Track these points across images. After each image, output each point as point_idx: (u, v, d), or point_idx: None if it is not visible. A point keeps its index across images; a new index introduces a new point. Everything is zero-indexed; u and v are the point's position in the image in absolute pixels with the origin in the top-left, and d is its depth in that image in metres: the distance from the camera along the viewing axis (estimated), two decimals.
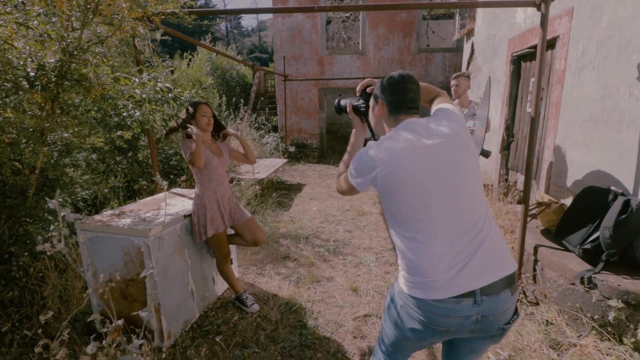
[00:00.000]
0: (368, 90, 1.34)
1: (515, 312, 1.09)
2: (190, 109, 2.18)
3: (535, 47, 2.95)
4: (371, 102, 1.27)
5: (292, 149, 8.73)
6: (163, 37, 2.50)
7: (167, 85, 2.24)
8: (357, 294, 2.62)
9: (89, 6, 1.80)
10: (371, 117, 1.30)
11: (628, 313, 1.83)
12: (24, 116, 1.60)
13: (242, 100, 8.37)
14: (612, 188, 2.20)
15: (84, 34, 1.87)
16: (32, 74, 1.76)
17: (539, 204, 2.63)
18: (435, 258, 1.02)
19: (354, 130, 1.40)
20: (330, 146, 10.70)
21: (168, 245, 2.11)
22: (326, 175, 7.31)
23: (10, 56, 1.49)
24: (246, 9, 2.63)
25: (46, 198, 1.33)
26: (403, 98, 1.16)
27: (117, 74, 2.10)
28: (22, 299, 2.17)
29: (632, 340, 1.81)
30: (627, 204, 1.99)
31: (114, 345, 1.07)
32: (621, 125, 2.25)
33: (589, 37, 2.58)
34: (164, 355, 1.95)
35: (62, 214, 0.97)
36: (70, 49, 1.84)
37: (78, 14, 1.69)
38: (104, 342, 1.12)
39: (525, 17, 3.67)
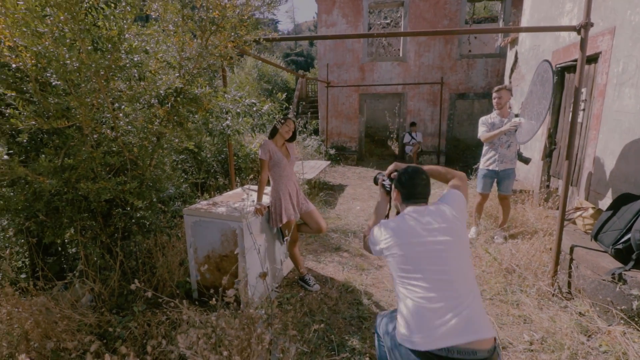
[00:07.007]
0: (392, 176, 1.68)
1: None
2: (282, 120, 2.71)
3: None
4: (393, 185, 1.61)
5: (332, 151, 9.20)
6: None
7: (253, 100, 2.79)
8: None
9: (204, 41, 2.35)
10: (392, 196, 1.64)
11: None
12: (164, 128, 2.18)
13: (288, 105, 8.95)
14: None
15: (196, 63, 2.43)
16: (162, 93, 2.34)
17: (577, 209, 2.86)
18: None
19: (379, 199, 1.77)
20: (368, 149, 11.05)
21: (254, 230, 2.62)
22: (365, 178, 7.68)
23: (159, 82, 2.07)
24: (317, 36, 3.10)
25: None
26: (412, 192, 1.48)
27: (217, 92, 2.66)
28: (137, 268, 2.78)
29: None
30: None
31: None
32: None
33: (629, 55, 2.77)
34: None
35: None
36: (187, 75, 2.41)
37: (199, 50, 2.25)
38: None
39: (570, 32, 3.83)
